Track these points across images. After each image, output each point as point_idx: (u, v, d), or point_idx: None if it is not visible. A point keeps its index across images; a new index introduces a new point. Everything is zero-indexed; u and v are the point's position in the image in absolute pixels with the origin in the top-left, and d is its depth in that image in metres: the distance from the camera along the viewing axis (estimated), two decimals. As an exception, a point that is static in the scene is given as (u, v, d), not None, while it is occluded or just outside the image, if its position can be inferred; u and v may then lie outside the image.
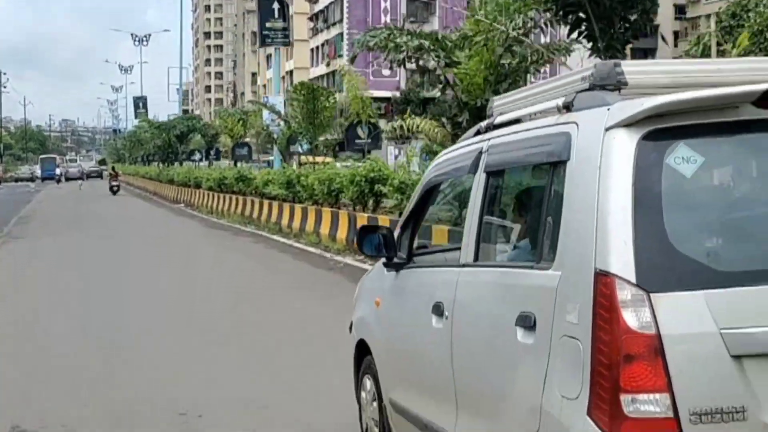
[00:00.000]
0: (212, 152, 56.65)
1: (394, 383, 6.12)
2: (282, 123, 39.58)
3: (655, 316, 3.60)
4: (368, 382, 6.67)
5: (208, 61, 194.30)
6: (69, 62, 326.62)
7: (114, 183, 64.33)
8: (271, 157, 55.84)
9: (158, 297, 15.87)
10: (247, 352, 11.01)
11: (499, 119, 5.14)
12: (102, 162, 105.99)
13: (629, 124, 3.80)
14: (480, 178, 5.00)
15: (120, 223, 36.21)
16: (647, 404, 3.59)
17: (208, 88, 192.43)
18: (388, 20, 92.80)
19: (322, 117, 35.14)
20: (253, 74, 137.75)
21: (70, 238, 28.78)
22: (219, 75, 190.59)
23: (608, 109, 3.92)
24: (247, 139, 55.39)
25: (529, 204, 4.99)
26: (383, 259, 6.32)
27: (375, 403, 6.54)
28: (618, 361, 3.61)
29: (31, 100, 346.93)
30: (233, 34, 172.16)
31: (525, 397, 4.12)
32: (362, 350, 6.76)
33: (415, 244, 6.26)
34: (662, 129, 3.78)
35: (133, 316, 13.93)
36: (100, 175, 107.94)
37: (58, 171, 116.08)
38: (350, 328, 7.09)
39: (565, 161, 4.09)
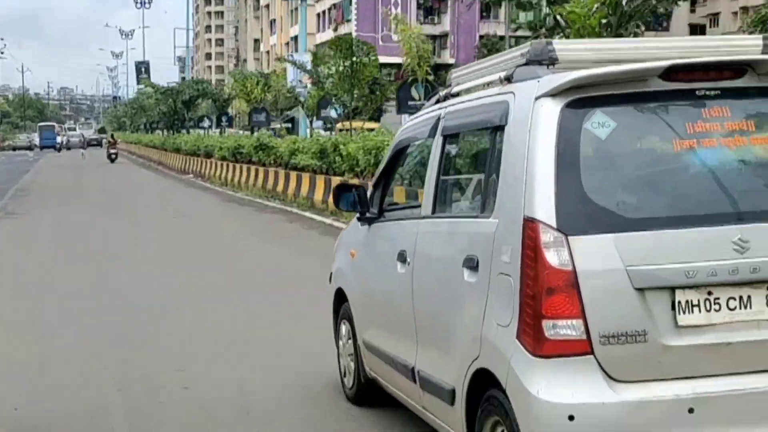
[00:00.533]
0: (224, 119, 52.19)
1: (367, 325, 6.83)
2: (309, 85, 35.59)
3: (571, 256, 4.35)
4: (344, 327, 7.40)
5: (208, 28, 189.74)
6: (68, 30, 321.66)
7: (112, 151, 63.83)
8: (287, 125, 52.31)
9: (182, 296, 12.33)
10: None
11: (455, 89, 5.88)
12: (102, 130, 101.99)
13: (554, 94, 4.53)
14: (438, 141, 5.78)
15: (127, 196, 32.61)
16: (565, 329, 4.34)
17: (208, 56, 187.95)
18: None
19: (362, 75, 31.06)
20: (256, 40, 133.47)
21: (73, 215, 25.18)
22: (220, 42, 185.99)
23: (538, 81, 4.66)
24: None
25: (476, 163, 5.62)
26: (358, 215, 7.01)
27: (351, 343, 7.23)
28: (541, 293, 4.38)
29: (30, 68, 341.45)
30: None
31: (469, 327, 4.90)
32: (340, 298, 7.45)
33: (386, 202, 6.93)
34: (582, 98, 4.52)
35: (151, 325, 10.47)
36: (100, 144, 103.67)
37: (59, 139, 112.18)
38: (330, 278, 7.69)
39: (504, 126, 4.84)
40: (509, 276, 4.53)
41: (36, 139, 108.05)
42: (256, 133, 36.44)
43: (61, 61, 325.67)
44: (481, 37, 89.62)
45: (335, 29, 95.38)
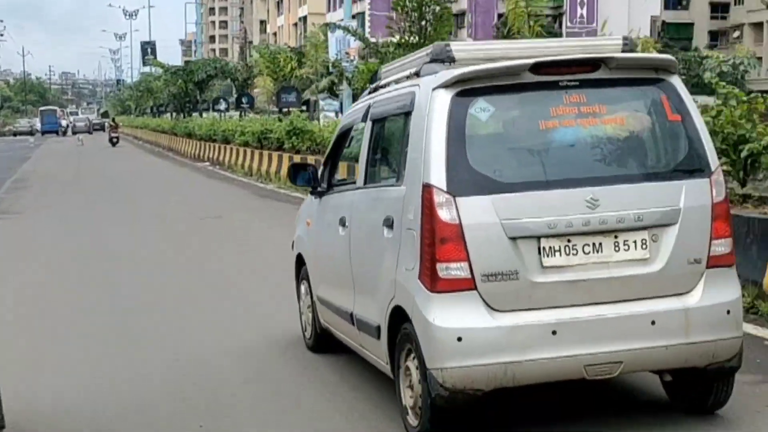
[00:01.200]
0: (244, 100, 46.52)
1: (319, 282, 8.02)
2: (356, 58, 30.59)
3: (458, 213, 5.55)
4: (303, 287, 8.58)
5: (212, 10, 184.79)
6: (70, 13, 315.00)
7: (114, 135, 62.40)
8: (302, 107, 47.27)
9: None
10: None
11: (383, 81, 7.21)
12: (105, 114, 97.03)
13: (447, 85, 5.76)
14: (368, 125, 6.99)
15: (138, 189, 28.00)
16: (454, 270, 5.54)
17: (212, 39, 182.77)
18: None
19: (439, 33, 24.56)
20: (262, 22, 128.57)
21: (79, 215, 20.62)
22: (224, 24, 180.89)
23: (435, 76, 5.89)
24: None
25: (394, 142, 6.59)
26: (311, 189, 8.25)
27: (309, 299, 8.37)
28: (435, 242, 5.56)
29: (32, 52, 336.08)
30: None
31: (388, 274, 6.10)
32: (299, 262, 8.63)
33: (335, 178, 8.04)
34: (468, 89, 5.74)
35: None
36: (103, 128, 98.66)
37: (63, 123, 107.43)
38: (292, 246, 8.85)
39: (411, 112, 6.06)
40: (413, 230, 5.77)
41: (37, 124, 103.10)
42: (290, 116, 31.23)
43: (62, 44, 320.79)
44: (499, 15, 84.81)
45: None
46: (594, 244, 5.67)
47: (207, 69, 45.34)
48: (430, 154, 5.64)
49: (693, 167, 5.91)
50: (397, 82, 6.75)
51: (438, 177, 5.58)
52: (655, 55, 7.20)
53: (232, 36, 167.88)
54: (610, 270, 5.68)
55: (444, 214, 5.55)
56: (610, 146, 5.85)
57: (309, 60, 42.29)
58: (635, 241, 5.72)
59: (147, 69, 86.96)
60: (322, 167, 8.08)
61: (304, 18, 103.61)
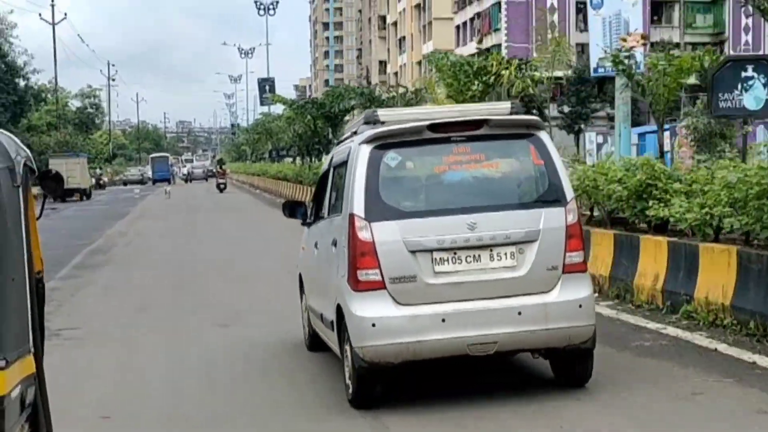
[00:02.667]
0: None
1: (308, 294, 10.11)
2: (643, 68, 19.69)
3: (372, 233, 7.65)
4: (302, 299, 10.63)
5: (326, 54, 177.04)
6: (186, 63, 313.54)
7: (221, 180, 60.95)
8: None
9: None
10: None
11: (343, 137, 9.58)
12: (220, 161, 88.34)
13: (368, 141, 7.93)
14: (331, 171, 9.24)
15: (265, 277, 17.71)
16: (370, 275, 7.62)
17: (326, 83, 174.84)
18: (555, -15, 75.01)
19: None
20: (382, 62, 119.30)
21: (173, 333, 10.65)
22: (339, 68, 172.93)
23: (362, 134, 8.12)
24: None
25: (342, 183, 8.42)
26: (301, 221, 10.34)
27: (305, 307, 10.48)
28: (356, 255, 7.66)
29: (149, 102, 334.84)
30: (357, 20, 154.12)
31: (334, 280, 8.18)
32: (300, 280, 10.66)
33: (321, 211, 9.58)
34: (383, 143, 7.90)
35: None
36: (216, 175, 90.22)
37: (177, 170, 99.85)
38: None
39: (347, 161, 8.20)
40: (345, 247, 7.85)
41: (149, 172, 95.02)
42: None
43: (179, 93, 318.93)
44: (652, 45, 73.61)
45: (480, 41, 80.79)
46: (474, 255, 7.78)
47: (349, 97, 34.53)
48: (354, 192, 7.85)
49: (551, 198, 8.03)
50: (346, 139, 9.24)
51: (359, 208, 7.78)
52: (525, 116, 8.73)
53: (347, 80, 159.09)
54: (487, 274, 7.78)
55: (362, 235, 7.73)
56: (486, 184, 8.14)
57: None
58: (506, 253, 7.82)
59: (265, 109, 78.03)
60: (311, 203, 10.29)
61: (429, 54, 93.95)
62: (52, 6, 68.43)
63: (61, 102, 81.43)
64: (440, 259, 7.67)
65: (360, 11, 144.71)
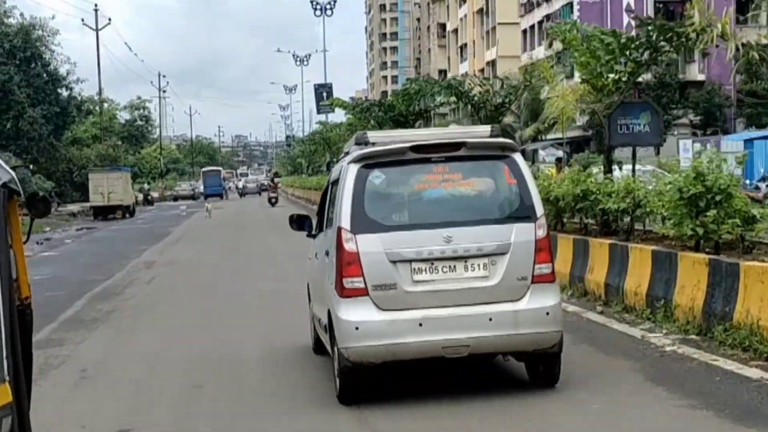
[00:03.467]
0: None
1: (312, 301, 10.64)
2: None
3: (357, 245, 8.22)
4: (309, 306, 11.11)
5: (384, 65, 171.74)
6: (242, 78, 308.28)
7: (272, 195, 59.45)
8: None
9: None
10: None
11: (341, 156, 9.92)
12: (276, 175, 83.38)
13: (356, 161, 8.56)
14: (329, 187, 9.68)
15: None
16: (355, 282, 8.18)
17: (384, 95, 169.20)
18: (631, -16, 68.96)
19: None
20: (441, 71, 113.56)
21: None
22: (396, 79, 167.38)
23: (352, 154, 8.74)
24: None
25: (335, 198, 8.95)
26: (307, 233, 10.91)
27: (311, 314, 10.97)
28: (343, 264, 8.23)
29: (204, 118, 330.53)
30: (416, 29, 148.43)
31: (327, 287, 8.75)
32: (308, 289, 11.18)
33: (323, 224, 10.04)
34: (369, 163, 8.52)
35: None
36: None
37: (230, 185, 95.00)
38: None
39: (339, 179, 8.84)
40: (334, 256, 8.46)
41: (200, 187, 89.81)
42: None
43: (233, 108, 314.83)
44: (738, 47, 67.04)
45: (549, 45, 74.91)
46: (450, 265, 8.34)
47: (432, 92, 27.83)
48: (342, 207, 8.47)
49: (522, 215, 8.57)
50: (340, 158, 9.94)
51: (346, 222, 8.37)
52: (501, 140, 9.04)
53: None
54: (461, 283, 8.32)
55: (348, 246, 8.29)
56: (462, 201, 8.68)
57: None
58: (479, 264, 8.37)
59: (322, 117, 72.25)
60: (316, 216, 10.67)
61: (493, 62, 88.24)
62: (96, 11, 63.53)
63: (109, 114, 76.90)
64: (418, 268, 8.35)
65: (418, 19, 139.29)
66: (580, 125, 59.52)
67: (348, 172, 8.51)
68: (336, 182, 9.08)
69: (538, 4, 77.81)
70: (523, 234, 8.39)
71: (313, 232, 10.54)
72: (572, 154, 59.75)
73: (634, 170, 15.82)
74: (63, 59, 62.86)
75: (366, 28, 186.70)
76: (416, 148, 8.56)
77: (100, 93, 65.14)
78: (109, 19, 65.18)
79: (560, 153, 59.88)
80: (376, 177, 8.51)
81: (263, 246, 27.50)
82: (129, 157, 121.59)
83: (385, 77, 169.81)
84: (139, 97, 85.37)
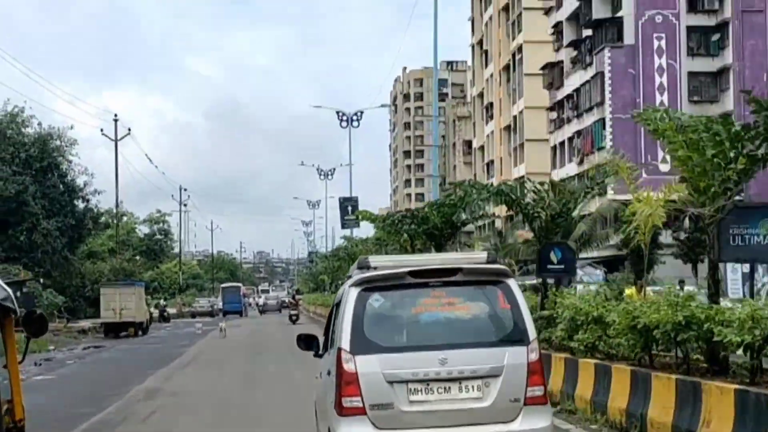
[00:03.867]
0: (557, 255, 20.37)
1: (318, 420, 10.71)
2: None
3: (356, 365, 8.54)
4: (316, 427, 11.21)
5: (407, 182, 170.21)
6: (262, 195, 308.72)
7: (293, 312, 58.87)
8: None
9: None
10: None
11: (345, 279, 10.36)
12: (298, 292, 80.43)
13: (356, 285, 8.95)
14: (333, 307, 10.11)
15: None
16: (353, 401, 8.49)
17: (408, 212, 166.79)
18: (665, 99, 66.71)
19: None
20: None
21: None
22: (420, 197, 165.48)
23: (353, 278, 9.14)
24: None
25: (338, 320, 9.40)
26: (314, 353, 11.17)
27: None
28: (342, 384, 8.56)
29: (226, 233, 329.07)
30: (442, 145, 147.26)
31: (327, 405, 9.11)
32: (315, 408, 11.37)
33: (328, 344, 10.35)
34: (369, 287, 8.89)
35: None
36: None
37: (250, 302, 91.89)
38: None
39: (341, 301, 9.25)
40: (333, 375, 8.87)
41: (219, 303, 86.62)
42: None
43: (255, 224, 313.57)
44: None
45: (581, 161, 72.37)
46: (445, 387, 8.60)
47: (479, 199, 24.21)
48: (343, 329, 8.81)
49: (515, 339, 8.84)
50: (345, 281, 10.01)
51: (345, 343, 8.70)
52: (496, 266, 9.34)
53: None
54: (455, 404, 8.56)
55: (347, 366, 8.58)
56: (458, 324, 8.95)
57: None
58: (473, 386, 8.62)
59: (346, 232, 69.32)
60: (322, 337, 10.89)
61: (521, 179, 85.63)
62: (115, 120, 61.56)
63: (127, 227, 74.52)
64: (414, 389, 8.58)
65: (443, 137, 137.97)
66: (614, 244, 56.55)
67: (349, 295, 9.01)
68: (339, 304, 9.58)
69: (568, 120, 75.73)
70: (516, 357, 8.77)
71: (320, 352, 10.81)
72: (605, 275, 56.63)
73: (752, 291, 12.58)
74: (80, 170, 60.61)
75: (390, 145, 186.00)
76: (414, 273, 9.04)
77: (117, 204, 62.59)
78: (129, 129, 63.13)
79: (599, 272, 56.46)
80: (376, 300, 8.98)
81: (282, 374, 24.17)
82: (148, 271, 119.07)
83: (408, 195, 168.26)
84: (158, 211, 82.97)
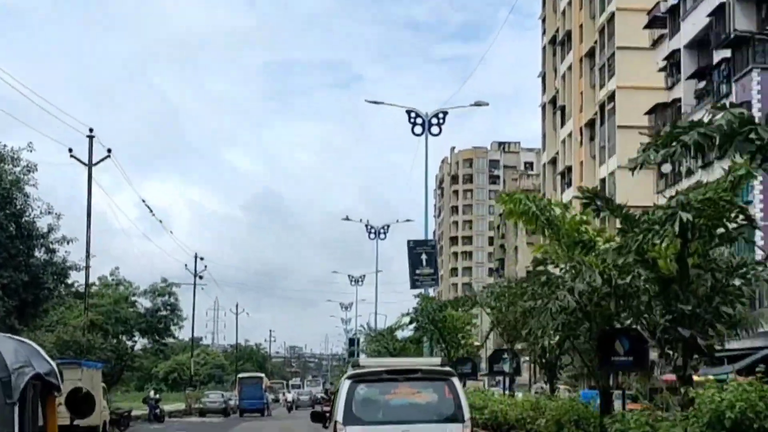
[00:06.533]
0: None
1: None
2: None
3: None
4: None
5: (454, 271, 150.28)
6: (296, 291, 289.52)
7: (327, 410, 32.33)
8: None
9: None
10: None
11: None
12: (332, 386, 62.26)
13: (348, 378, 13.85)
14: (334, 394, 18.01)
15: None
16: None
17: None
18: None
19: None
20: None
21: None
22: (467, 286, 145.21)
23: (348, 373, 14.18)
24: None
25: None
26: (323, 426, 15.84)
27: None
28: None
29: (259, 326, 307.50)
30: (491, 235, 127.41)
31: None
32: None
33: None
34: (357, 379, 13.76)
35: None
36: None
37: (280, 397, 72.47)
38: None
39: (338, 390, 14.33)
40: None
41: (235, 398, 66.33)
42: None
43: (290, 319, 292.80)
44: None
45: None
46: None
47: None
48: (338, 407, 13.45)
49: (455, 418, 13.31)
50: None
51: (340, 417, 13.24)
52: (445, 368, 13.99)
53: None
54: None
55: None
56: (417, 407, 13.56)
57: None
58: None
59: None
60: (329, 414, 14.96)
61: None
62: (90, 138, 41.95)
63: (116, 296, 55.12)
64: None
65: (500, 215, 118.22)
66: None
67: (343, 385, 13.78)
68: (337, 391, 14.68)
69: (689, 174, 56.46)
70: (454, 431, 13.31)
71: (327, 424, 15.37)
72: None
73: None
74: (43, 208, 41.64)
75: (434, 232, 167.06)
76: (389, 372, 13.85)
77: (87, 254, 42.49)
78: (109, 151, 43.56)
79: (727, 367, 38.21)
80: (362, 389, 13.64)
81: None
82: (160, 362, 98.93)
83: (454, 284, 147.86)
84: (164, 280, 63.07)
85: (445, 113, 40.23)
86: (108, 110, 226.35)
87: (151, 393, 53.45)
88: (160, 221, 58.88)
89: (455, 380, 13.59)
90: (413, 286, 42.77)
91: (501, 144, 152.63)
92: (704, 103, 54.10)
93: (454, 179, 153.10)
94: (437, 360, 15.25)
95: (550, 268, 18.14)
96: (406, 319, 39.17)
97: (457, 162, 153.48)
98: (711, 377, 22.77)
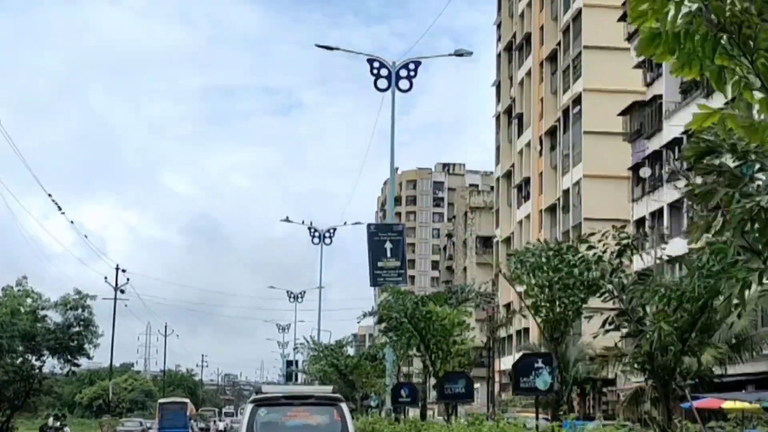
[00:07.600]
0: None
1: None
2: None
3: None
4: None
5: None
6: (235, 317, 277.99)
7: None
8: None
9: None
10: None
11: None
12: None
13: (251, 402, 15.15)
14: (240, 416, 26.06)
15: None
16: None
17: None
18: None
19: None
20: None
21: None
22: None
23: (251, 398, 15.94)
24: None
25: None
26: None
27: None
28: None
29: (194, 354, 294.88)
30: (436, 259, 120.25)
31: None
32: None
33: None
34: (258, 404, 14.84)
35: None
36: None
37: (212, 425, 64.33)
38: None
39: (242, 412, 19.86)
40: None
41: (153, 425, 57.61)
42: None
43: (226, 346, 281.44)
44: None
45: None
46: None
47: None
48: (242, 429, 14.45)
49: None
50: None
51: None
52: (334, 395, 15.22)
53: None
54: None
55: None
56: (310, 428, 14.66)
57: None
58: None
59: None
60: None
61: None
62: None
63: (11, 303, 46.46)
64: None
65: (449, 235, 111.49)
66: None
67: (246, 408, 15.15)
68: (241, 413, 17.18)
69: (669, 180, 49.92)
70: None
71: None
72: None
73: None
74: None
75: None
76: (286, 397, 15.22)
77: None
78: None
79: None
80: (263, 411, 14.63)
81: None
82: (84, 388, 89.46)
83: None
84: (78, 292, 54.16)
85: (418, 63, 32.54)
86: (39, 129, 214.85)
87: (50, 421, 44.53)
88: (85, 236, 50.28)
89: (344, 405, 14.92)
90: (374, 282, 34.76)
91: (445, 165, 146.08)
92: (692, 98, 47.69)
93: (398, 201, 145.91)
94: (329, 388, 16.73)
95: (727, 158, 8.07)
96: (370, 319, 30.97)
97: (400, 183, 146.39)
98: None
